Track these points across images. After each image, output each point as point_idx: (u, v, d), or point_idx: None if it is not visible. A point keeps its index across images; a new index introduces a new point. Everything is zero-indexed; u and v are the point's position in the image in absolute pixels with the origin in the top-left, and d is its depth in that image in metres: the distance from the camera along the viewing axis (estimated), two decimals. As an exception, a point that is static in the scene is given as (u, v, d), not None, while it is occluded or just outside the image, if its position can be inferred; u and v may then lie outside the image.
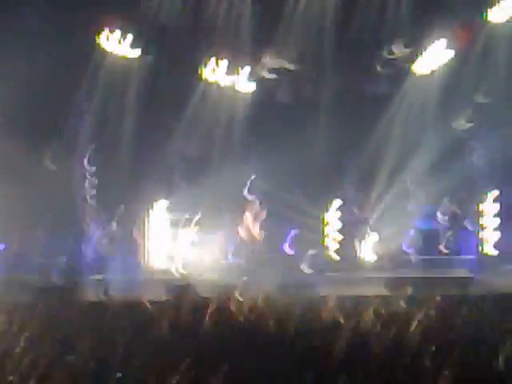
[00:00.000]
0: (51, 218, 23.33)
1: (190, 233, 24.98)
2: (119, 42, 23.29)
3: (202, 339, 10.29)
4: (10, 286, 20.20)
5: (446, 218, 20.89)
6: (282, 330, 11.15)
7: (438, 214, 21.60)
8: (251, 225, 23.96)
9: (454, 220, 20.17)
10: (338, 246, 25.14)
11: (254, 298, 16.03)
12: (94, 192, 25.04)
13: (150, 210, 25.16)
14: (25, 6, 22.11)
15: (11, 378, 8.59)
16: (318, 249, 25.00)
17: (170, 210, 25.70)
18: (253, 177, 25.79)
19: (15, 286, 19.90)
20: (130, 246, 23.22)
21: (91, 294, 20.23)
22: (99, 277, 21.93)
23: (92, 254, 22.53)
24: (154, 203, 25.21)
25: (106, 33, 22.92)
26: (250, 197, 24.92)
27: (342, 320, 12.49)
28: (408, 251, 23.29)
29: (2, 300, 16.50)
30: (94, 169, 25.14)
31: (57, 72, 20.91)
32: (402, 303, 14.58)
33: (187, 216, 25.47)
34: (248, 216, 24.53)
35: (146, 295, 19.22)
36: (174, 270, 23.96)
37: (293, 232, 25.14)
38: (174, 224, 25.52)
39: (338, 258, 24.93)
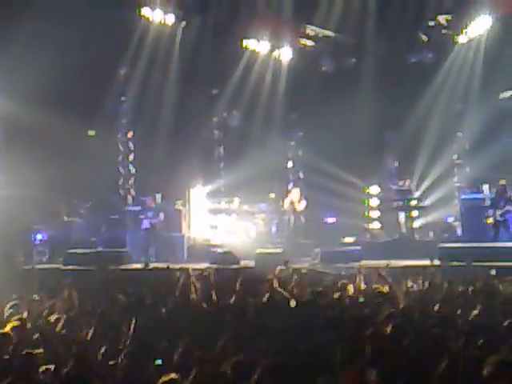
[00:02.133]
0: (94, 192, 23.63)
1: (233, 205, 25.09)
2: (161, 11, 23.18)
3: (243, 315, 10.27)
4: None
5: (493, 190, 20.59)
6: (323, 304, 11.10)
7: (485, 187, 21.35)
8: (295, 198, 23.86)
9: (501, 193, 19.86)
10: (380, 217, 25.12)
11: (296, 269, 16.06)
12: (134, 168, 25.34)
13: (193, 185, 25.32)
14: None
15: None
16: (360, 220, 24.99)
17: (210, 182, 25.92)
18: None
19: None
20: (172, 217, 23.32)
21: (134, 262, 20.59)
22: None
23: (134, 226, 22.66)
24: (195, 177, 25.43)
25: (149, 3, 22.82)
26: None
27: (383, 290, 12.42)
28: (453, 222, 23.08)
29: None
30: (132, 146, 25.43)
31: (100, 46, 21.00)
32: (448, 275, 14.47)
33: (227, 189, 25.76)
34: (292, 190, 24.45)
35: (189, 264, 19.50)
36: (216, 239, 24.10)
37: (333, 218, 25.16)
38: (215, 196, 25.72)
39: (380, 228, 24.89)
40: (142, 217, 22.40)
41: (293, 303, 11.01)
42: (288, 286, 12.44)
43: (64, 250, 20.80)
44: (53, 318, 10.58)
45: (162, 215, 22.49)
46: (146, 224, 22.26)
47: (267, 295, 11.32)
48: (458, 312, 9.99)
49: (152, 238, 21.88)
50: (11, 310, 11.13)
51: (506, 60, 22.49)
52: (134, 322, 9.49)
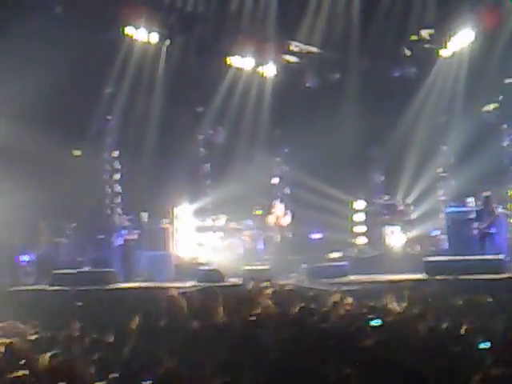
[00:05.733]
0: (80, 212, 23.60)
1: (219, 222, 25.02)
2: (145, 30, 23.22)
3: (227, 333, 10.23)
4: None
5: (477, 202, 20.67)
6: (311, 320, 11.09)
7: (470, 199, 21.43)
8: (279, 213, 23.89)
9: (486, 204, 19.93)
10: (367, 232, 25.11)
11: (282, 286, 16.07)
12: (120, 187, 25.29)
13: (179, 202, 25.26)
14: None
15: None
16: (346, 235, 24.96)
17: (197, 200, 25.87)
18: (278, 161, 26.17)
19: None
20: (159, 235, 23.24)
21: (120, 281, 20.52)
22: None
23: (120, 244, 22.58)
24: (182, 195, 25.38)
25: (133, 22, 22.85)
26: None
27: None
28: (439, 236, 23.10)
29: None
30: (118, 165, 25.36)
31: (84, 65, 21.05)
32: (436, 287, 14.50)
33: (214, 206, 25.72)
34: (277, 205, 24.41)
35: (175, 282, 19.47)
36: (202, 257, 24.02)
37: (320, 234, 25.14)
38: (201, 214, 25.67)
39: (367, 243, 24.88)
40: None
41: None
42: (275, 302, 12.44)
43: (51, 270, 20.71)
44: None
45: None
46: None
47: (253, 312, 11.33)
48: (445, 326, 10.00)
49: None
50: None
51: (488, 73, 22.64)
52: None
